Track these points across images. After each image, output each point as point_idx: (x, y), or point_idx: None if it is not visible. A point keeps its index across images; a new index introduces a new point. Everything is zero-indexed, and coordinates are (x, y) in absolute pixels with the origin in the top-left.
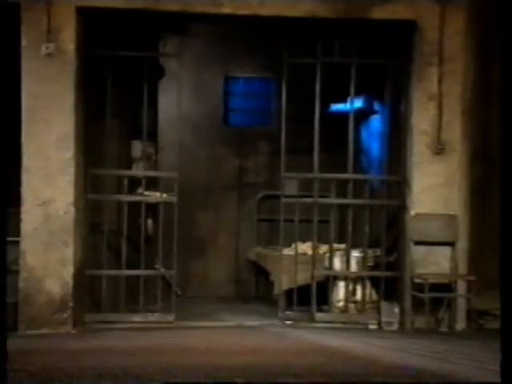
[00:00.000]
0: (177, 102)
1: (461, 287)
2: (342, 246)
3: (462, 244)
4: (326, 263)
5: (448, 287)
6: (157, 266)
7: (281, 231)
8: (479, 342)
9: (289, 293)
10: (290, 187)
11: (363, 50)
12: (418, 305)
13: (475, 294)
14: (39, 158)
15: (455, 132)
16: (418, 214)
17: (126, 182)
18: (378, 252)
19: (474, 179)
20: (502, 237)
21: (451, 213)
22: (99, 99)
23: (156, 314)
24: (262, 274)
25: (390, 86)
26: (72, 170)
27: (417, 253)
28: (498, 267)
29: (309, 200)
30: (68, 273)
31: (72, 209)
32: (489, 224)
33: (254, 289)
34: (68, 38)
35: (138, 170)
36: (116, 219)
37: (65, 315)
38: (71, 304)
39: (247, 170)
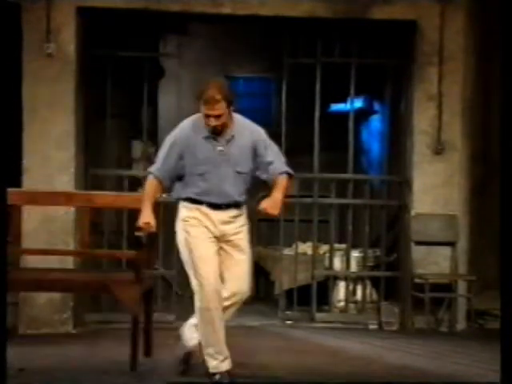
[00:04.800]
0: (177, 102)
1: (461, 287)
2: (342, 245)
3: (462, 244)
4: (326, 263)
5: (448, 287)
6: (157, 266)
7: (281, 231)
8: (479, 342)
9: (289, 293)
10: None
11: (363, 50)
12: (417, 305)
13: (475, 294)
14: (39, 157)
15: (455, 132)
16: (418, 214)
17: (126, 182)
18: (378, 252)
19: (473, 179)
20: (501, 237)
21: (451, 213)
22: (99, 99)
23: (156, 314)
24: (262, 273)
25: (390, 86)
26: (72, 170)
27: (417, 253)
28: (498, 267)
29: (309, 200)
30: None
31: (72, 209)
32: (489, 224)
33: (254, 289)
34: (68, 38)
35: (138, 170)
36: (116, 219)
37: (65, 315)
38: (71, 304)
39: None
